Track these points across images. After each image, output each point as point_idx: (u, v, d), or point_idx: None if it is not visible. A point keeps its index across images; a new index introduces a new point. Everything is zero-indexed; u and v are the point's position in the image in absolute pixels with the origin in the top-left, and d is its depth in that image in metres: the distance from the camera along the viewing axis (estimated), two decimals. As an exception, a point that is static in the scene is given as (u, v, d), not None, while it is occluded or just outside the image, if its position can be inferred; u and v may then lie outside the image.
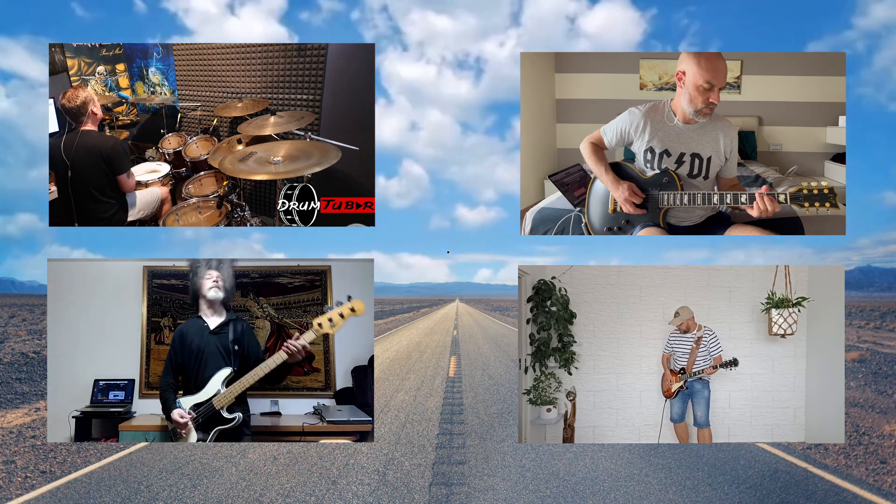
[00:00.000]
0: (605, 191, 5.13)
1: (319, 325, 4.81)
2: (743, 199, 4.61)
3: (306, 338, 4.82)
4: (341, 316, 4.82)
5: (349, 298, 4.91)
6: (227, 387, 4.89)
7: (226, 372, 4.92)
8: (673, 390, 5.57)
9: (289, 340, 4.81)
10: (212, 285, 5.01)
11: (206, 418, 4.89)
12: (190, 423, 4.85)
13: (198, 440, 4.89)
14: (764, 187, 4.57)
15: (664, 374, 5.64)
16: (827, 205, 4.42)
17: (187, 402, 4.91)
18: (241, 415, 4.92)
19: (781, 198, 4.49)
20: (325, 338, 6.00)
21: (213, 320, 5.08)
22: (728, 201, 4.68)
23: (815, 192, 4.43)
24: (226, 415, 4.88)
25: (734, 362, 5.41)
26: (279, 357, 4.82)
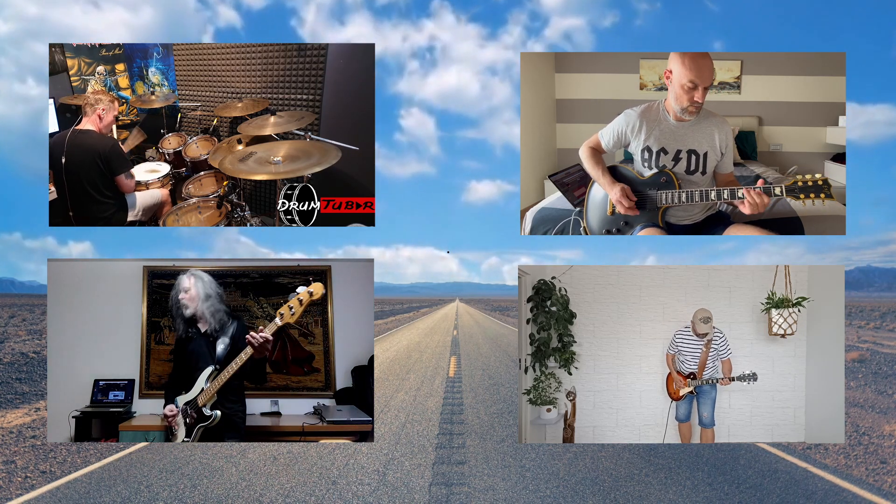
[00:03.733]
0: (604, 195, 5.15)
1: (281, 314, 4.80)
2: (739, 195, 4.63)
3: (269, 329, 4.79)
4: (300, 302, 4.81)
5: (310, 282, 4.92)
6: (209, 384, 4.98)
7: (209, 370, 5.00)
8: (682, 394, 5.52)
9: (252, 332, 4.79)
10: (187, 303, 5.08)
11: (194, 416, 4.97)
12: (179, 416, 4.96)
13: (184, 438, 4.97)
14: (760, 181, 4.58)
15: (669, 374, 5.60)
16: (822, 196, 4.43)
17: (182, 399, 5.03)
18: (218, 413, 4.95)
19: (777, 190, 4.50)
20: (325, 338, 6.01)
21: (202, 325, 5.17)
22: (725, 197, 4.70)
23: (810, 183, 4.45)
24: (206, 412, 4.95)
25: (753, 376, 5.34)
26: (246, 351, 4.83)
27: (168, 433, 5.07)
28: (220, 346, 5.08)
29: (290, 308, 4.80)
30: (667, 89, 4.87)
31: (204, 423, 4.95)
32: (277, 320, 4.79)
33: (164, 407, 5.06)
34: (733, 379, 5.40)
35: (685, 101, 4.75)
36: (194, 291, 5.09)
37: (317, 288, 4.84)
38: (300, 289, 4.85)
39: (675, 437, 5.70)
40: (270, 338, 4.77)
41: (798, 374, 5.68)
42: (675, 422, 5.66)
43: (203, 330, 5.12)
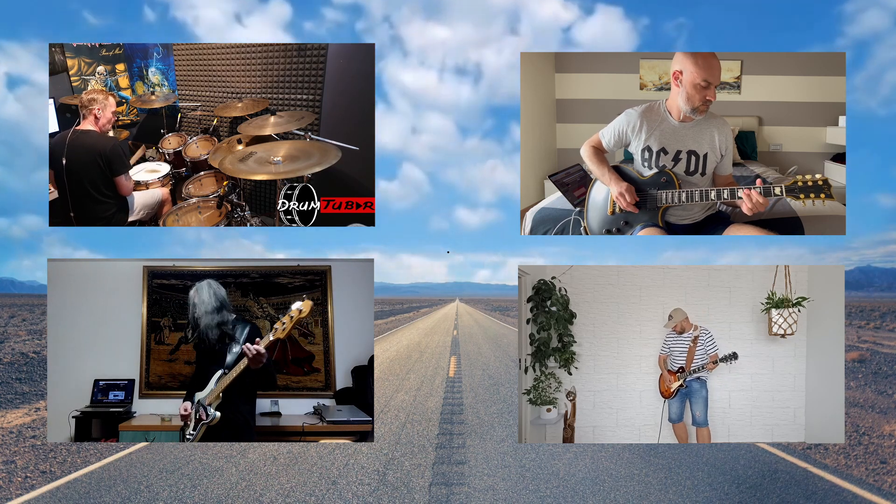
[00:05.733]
0: (604, 195, 5.15)
1: (275, 328, 4.93)
2: (739, 195, 4.64)
3: (263, 342, 4.90)
4: (290, 318, 4.93)
5: (303, 299, 5.08)
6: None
7: (220, 373, 5.06)
8: (672, 389, 5.57)
9: (247, 344, 4.89)
10: (201, 311, 5.18)
11: (204, 414, 5.03)
12: (192, 414, 5.02)
13: (190, 431, 5.01)
14: (758, 181, 4.58)
15: (661, 374, 5.65)
16: (822, 196, 4.43)
17: (197, 396, 5.08)
18: (218, 413, 5.01)
19: (777, 190, 4.50)
20: (325, 338, 6.01)
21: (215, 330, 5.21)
22: (725, 196, 4.71)
23: (810, 183, 4.45)
24: (209, 411, 5.00)
25: (733, 356, 5.42)
26: (243, 361, 4.92)
27: (184, 429, 5.11)
28: (232, 350, 5.13)
29: (283, 324, 4.91)
30: (667, 89, 4.86)
31: (206, 422, 4.99)
32: (270, 336, 4.89)
33: (183, 402, 5.13)
34: (717, 362, 5.48)
35: (697, 101, 4.75)
36: (206, 304, 5.20)
37: (305, 306, 4.94)
38: (295, 304, 4.95)
39: (670, 438, 5.71)
40: (263, 351, 4.85)
41: (798, 374, 5.68)
42: (669, 424, 5.67)
43: (214, 336, 5.17)
